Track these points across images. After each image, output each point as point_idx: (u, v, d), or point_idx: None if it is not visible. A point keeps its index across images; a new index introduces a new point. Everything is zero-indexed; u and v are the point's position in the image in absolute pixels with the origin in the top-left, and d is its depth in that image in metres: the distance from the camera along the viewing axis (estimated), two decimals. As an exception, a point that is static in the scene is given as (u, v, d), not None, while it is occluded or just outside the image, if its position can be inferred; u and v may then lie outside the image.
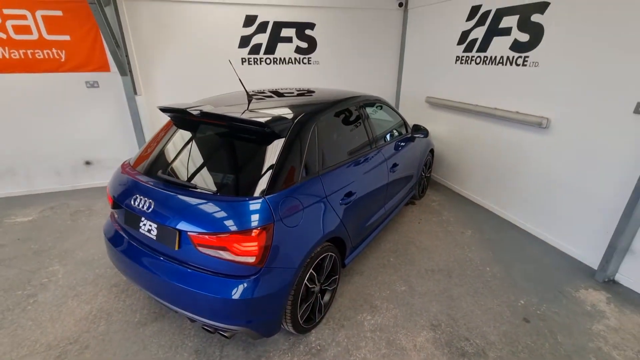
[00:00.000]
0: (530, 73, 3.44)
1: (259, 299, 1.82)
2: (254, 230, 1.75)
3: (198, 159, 2.16)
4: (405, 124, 3.72)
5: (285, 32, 4.97)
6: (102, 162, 4.70)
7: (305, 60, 5.24)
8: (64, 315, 2.48)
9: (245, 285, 1.80)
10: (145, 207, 1.94)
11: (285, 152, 1.99)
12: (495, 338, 2.32)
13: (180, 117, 2.38)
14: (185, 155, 2.20)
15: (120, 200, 2.12)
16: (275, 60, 5.07)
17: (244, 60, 4.90)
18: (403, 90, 5.91)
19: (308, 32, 5.09)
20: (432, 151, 4.43)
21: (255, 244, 1.76)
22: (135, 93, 4.41)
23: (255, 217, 1.78)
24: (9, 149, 4.28)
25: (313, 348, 2.23)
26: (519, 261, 3.19)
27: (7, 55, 3.97)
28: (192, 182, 1.95)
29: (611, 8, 2.69)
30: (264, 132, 2.01)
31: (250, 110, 2.33)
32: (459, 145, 4.64)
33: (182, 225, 1.81)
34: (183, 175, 2.09)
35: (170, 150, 2.29)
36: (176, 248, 1.87)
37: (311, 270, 2.13)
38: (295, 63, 5.20)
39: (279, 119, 2.08)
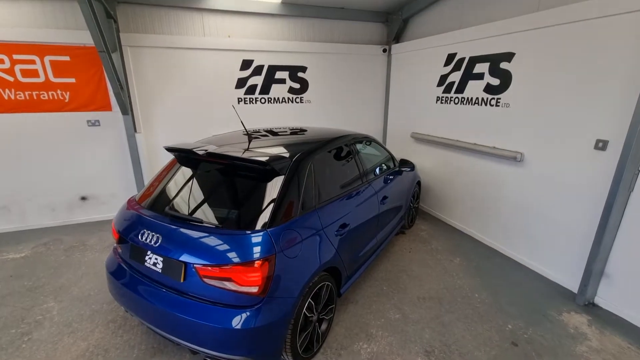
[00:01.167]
0: (503, 112, 3.81)
1: (261, 328, 1.91)
2: (257, 262, 1.88)
3: (202, 195, 2.32)
4: (392, 158, 3.99)
5: (279, 75, 5.35)
6: (98, 197, 4.77)
7: (298, 100, 5.60)
8: (59, 353, 2.47)
9: (248, 314, 1.90)
10: (151, 241, 2.05)
11: (284, 188, 2.18)
12: (486, 362, 2.42)
13: (184, 156, 2.57)
14: (189, 192, 2.36)
15: (126, 235, 2.23)
16: (269, 99, 5.40)
17: (240, 99, 5.21)
18: (389, 127, 6.30)
19: (300, 74, 5.49)
20: (419, 183, 4.70)
21: (258, 274, 1.88)
22: (135, 131, 4.60)
23: (257, 249, 1.92)
24: (5, 187, 4.34)
25: (311, 378, 2.28)
26: (505, 287, 3.35)
27: (12, 97, 4.15)
28: (197, 217, 2.10)
29: (569, 59, 3.11)
30: (265, 170, 2.20)
31: (250, 150, 2.54)
32: (444, 176, 4.93)
33: (188, 258, 1.93)
34: (188, 211, 2.23)
35: (175, 187, 2.45)
36: (182, 280, 1.97)
37: (309, 299, 2.24)
38: (288, 102, 5.54)
39: (278, 158, 2.28)
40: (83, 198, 4.72)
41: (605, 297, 3.04)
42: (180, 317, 1.95)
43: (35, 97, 4.24)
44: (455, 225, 4.79)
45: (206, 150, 2.32)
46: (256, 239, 1.95)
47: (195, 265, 1.91)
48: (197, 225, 2.05)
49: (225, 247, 1.92)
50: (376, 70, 6.01)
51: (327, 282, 2.42)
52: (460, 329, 2.76)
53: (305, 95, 5.63)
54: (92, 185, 4.73)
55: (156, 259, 2.08)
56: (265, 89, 5.32)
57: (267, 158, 2.22)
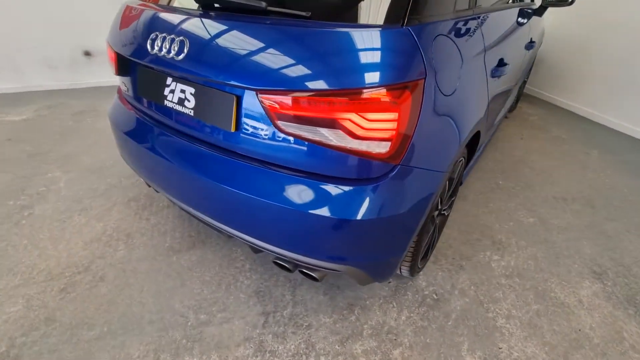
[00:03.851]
0: None
1: (388, 220, 1.00)
2: (395, 88, 0.86)
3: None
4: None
5: None
6: (106, 53, 3.72)
7: None
8: (69, 235, 1.79)
9: (367, 196, 0.96)
10: (173, 52, 1.04)
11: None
12: (699, 296, 1.54)
13: None
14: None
15: (129, 53, 1.22)
16: None
17: None
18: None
19: None
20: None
21: (395, 115, 0.87)
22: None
23: (394, 63, 0.87)
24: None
25: (427, 297, 1.51)
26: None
27: None
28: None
29: None
30: None
31: None
32: (571, 42, 3.41)
33: (248, 81, 0.92)
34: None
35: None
36: (232, 129, 1.02)
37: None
38: None
39: None
40: (87, 53, 3.68)
41: None
42: (232, 194, 1.06)
43: None
44: (578, 111, 3.50)
45: None
46: (389, 41, 0.88)
47: (262, 97, 0.92)
48: (263, 17, 0.98)
49: (327, 57, 0.88)
50: None
51: (462, 157, 1.44)
52: (635, 244, 1.83)
53: None
54: (98, 37, 3.62)
55: (183, 89, 1.10)
56: None
57: None
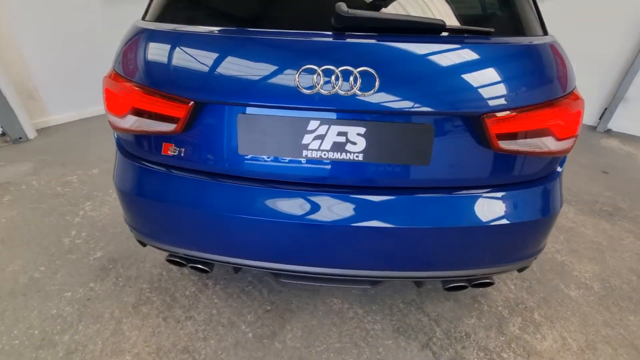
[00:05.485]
0: None
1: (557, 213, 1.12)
2: (574, 91, 0.98)
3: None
4: None
5: None
6: None
7: None
8: None
9: (556, 187, 1.07)
10: (337, 87, 0.82)
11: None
12: None
13: None
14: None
15: (231, 97, 0.89)
16: None
17: None
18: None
19: None
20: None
21: (580, 113, 0.99)
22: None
23: (571, 70, 0.98)
24: None
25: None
26: None
27: None
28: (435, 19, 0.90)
29: None
30: None
31: None
32: None
33: (467, 106, 0.86)
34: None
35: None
36: (426, 163, 0.92)
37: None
38: None
39: None
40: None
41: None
42: (424, 233, 0.96)
43: None
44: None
45: None
46: (562, 50, 0.97)
47: (486, 117, 0.87)
48: (434, 37, 0.90)
49: (537, 72, 0.91)
50: None
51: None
52: None
53: None
54: None
55: (341, 132, 0.89)
56: None
57: None
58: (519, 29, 0.99)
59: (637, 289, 1.58)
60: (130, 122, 0.98)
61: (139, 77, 0.94)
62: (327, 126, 0.90)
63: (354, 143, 0.90)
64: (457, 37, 0.93)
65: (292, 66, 0.84)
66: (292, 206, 0.96)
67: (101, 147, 2.67)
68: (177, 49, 0.91)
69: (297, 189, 0.97)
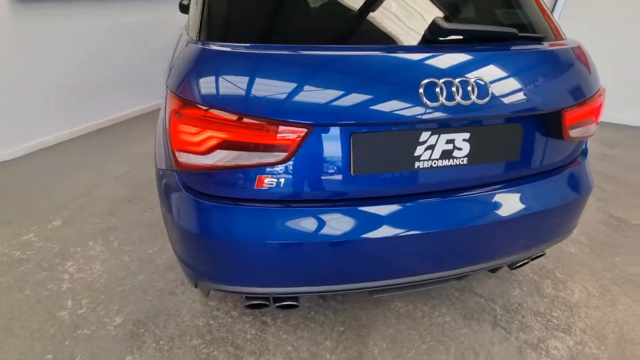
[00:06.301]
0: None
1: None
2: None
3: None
4: None
5: None
6: None
7: None
8: None
9: (587, 164, 1.28)
10: (443, 97, 0.86)
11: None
12: None
13: None
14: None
15: (349, 117, 0.85)
16: None
17: None
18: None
19: None
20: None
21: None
22: None
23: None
24: None
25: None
26: None
27: None
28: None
29: None
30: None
31: None
32: None
33: (549, 104, 0.98)
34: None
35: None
36: (518, 157, 1.02)
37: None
38: None
39: None
40: None
41: None
42: (519, 220, 1.06)
43: None
44: None
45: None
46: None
47: (566, 112, 1.00)
48: (498, 45, 1.00)
49: (586, 70, 1.08)
50: None
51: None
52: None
53: None
54: None
55: (449, 140, 0.93)
56: None
57: None
58: (556, 35, 1.15)
59: (610, 235, 1.97)
60: (218, 157, 0.85)
61: (234, 106, 0.83)
62: (437, 136, 0.92)
63: (459, 149, 0.95)
64: (535, 43, 1.06)
65: (413, 81, 0.85)
66: (407, 219, 0.97)
67: (51, 190, 2.19)
68: (283, 71, 0.83)
69: (408, 201, 0.97)
